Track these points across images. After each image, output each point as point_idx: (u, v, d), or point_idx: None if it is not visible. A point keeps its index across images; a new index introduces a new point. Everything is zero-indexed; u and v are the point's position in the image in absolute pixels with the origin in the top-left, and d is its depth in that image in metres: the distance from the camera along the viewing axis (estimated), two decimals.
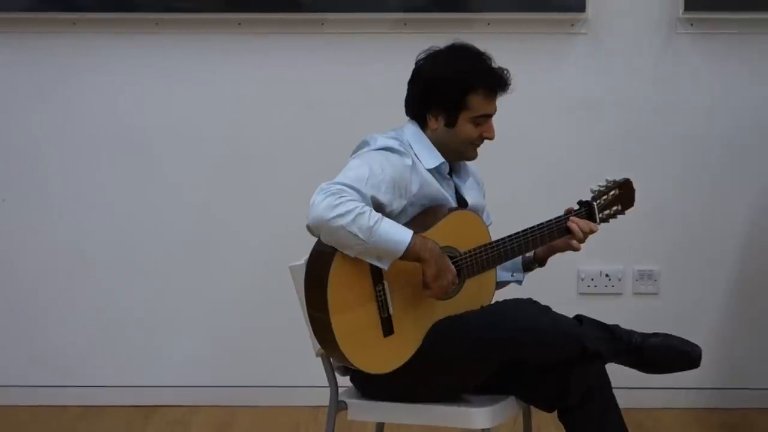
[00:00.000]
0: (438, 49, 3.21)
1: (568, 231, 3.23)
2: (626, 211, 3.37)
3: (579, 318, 3.10)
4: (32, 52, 4.37)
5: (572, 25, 4.29)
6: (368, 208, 2.92)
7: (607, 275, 4.42)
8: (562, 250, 3.31)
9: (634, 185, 3.37)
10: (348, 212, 2.89)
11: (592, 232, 3.26)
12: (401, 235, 2.94)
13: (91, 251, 4.45)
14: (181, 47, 4.34)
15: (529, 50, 4.26)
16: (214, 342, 4.48)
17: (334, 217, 2.88)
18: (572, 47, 4.32)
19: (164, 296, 4.47)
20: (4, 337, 4.49)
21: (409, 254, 2.94)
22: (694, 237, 4.41)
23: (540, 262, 3.38)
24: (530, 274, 3.41)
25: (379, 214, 2.94)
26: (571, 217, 3.24)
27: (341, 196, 2.91)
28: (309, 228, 2.94)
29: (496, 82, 3.15)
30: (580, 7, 4.24)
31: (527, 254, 3.34)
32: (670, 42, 4.31)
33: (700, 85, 4.33)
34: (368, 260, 2.94)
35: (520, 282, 3.41)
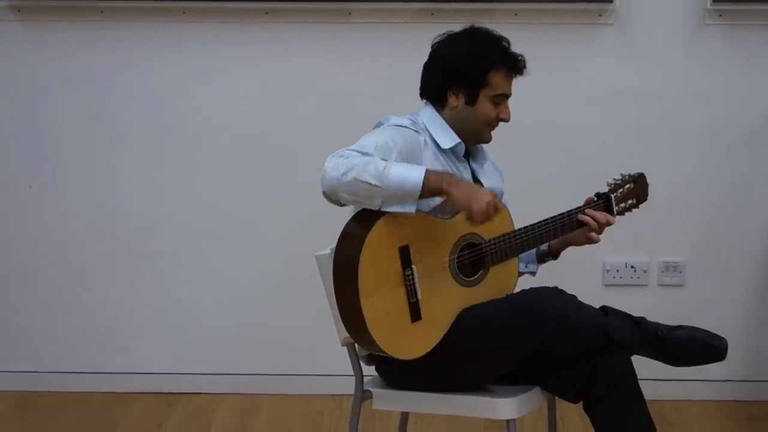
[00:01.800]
0: (455, 32, 3.25)
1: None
2: (641, 205, 3.37)
3: (605, 309, 3.09)
4: (59, 40, 4.37)
5: (600, 15, 4.28)
6: (375, 157, 2.93)
7: (632, 267, 4.41)
8: (579, 243, 3.31)
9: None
10: (356, 165, 2.90)
11: (609, 224, 3.26)
12: (414, 171, 2.92)
13: (117, 239, 4.46)
14: (208, 36, 4.34)
15: (556, 40, 4.24)
16: (238, 330, 4.49)
17: (344, 173, 2.89)
18: (599, 38, 4.30)
19: (189, 285, 4.48)
20: (29, 324, 4.51)
21: (428, 188, 2.92)
22: (720, 228, 4.39)
23: (554, 254, 3.39)
24: (556, 265, 3.41)
25: (388, 161, 2.94)
26: (586, 210, 3.24)
27: (347, 157, 2.93)
28: (325, 194, 2.95)
29: (515, 63, 3.19)
30: None
31: (542, 247, 3.35)
32: (698, 33, 4.28)
33: (727, 77, 4.31)
34: (392, 209, 2.92)
35: (533, 273, 3.41)
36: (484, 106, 3.19)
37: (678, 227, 4.38)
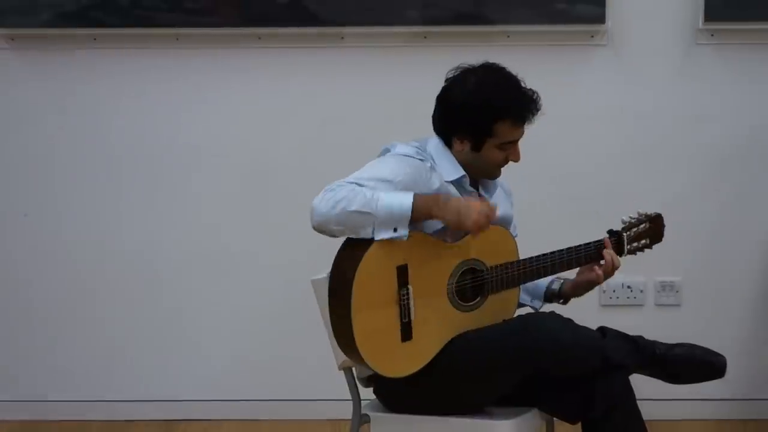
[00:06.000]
0: (468, 68, 3.18)
1: (598, 258, 3.22)
2: (654, 246, 3.36)
3: (603, 330, 3.09)
4: (53, 67, 4.38)
5: (592, 36, 4.29)
6: (362, 188, 2.93)
7: (628, 287, 4.41)
8: (586, 288, 3.29)
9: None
10: (344, 197, 2.91)
11: (615, 267, 3.25)
12: (402, 196, 2.93)
13: (113, 266, 4.46)
14: (201, 62, 4.35)
15: (548, 62, 4.25)
16: (236, 356, 4.48)
17: (332, 207, 2.90)
18: (592, 59, 4.31)
19: (186, 311, 4.47)
20: (26, 352, 4.50)
21: (419, 211, 2.93)
22: (716, 248, 4.39)
23: (565, 298, 3.36)
24: None
25: (374, 189, 2.94)
26: (607, 249, 3.23)
27: (333, 190, 2.93)
28: (315, 230, 2.95)
29: (525, 110, 3.13)
30: (600, 18, 4.23)
31: (553, 287, 3.34)
32: (690, 53, 4.29)
33: (720, 96, 4.32)
34: (387, 236, 2.92)
35: (536, 310, 3.38)
36: (491, 152, 3.15)
37: (674, 247, 4.35)
